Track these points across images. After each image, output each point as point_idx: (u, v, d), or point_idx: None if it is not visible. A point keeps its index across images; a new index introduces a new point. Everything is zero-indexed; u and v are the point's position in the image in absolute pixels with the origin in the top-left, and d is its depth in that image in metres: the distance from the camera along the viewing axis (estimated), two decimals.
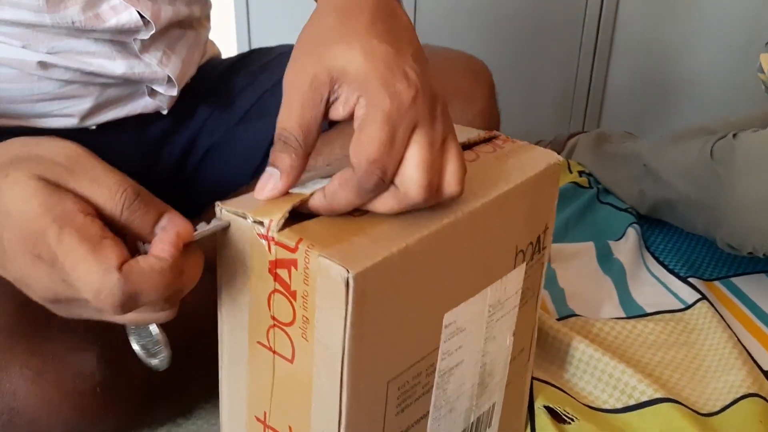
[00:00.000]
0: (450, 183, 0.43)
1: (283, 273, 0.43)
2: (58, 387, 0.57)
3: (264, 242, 0.43)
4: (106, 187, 0.38)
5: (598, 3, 1.62)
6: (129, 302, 0.37)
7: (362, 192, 0.42)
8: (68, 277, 0.37)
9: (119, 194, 0.38)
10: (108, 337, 0.60)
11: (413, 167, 0.42)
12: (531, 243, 0.57)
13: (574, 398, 0.77)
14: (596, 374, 0.79)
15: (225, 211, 0.44)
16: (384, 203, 0.43)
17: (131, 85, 0.73)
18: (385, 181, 0.42)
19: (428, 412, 0.52)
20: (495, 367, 0.58)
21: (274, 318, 0.45)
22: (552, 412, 0.74)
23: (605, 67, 1.68)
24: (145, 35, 0.68)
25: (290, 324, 0.44)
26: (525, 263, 0.57)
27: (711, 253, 1.10)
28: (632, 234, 1.11)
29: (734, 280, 1.03)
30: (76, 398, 0.58)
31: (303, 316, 0.43)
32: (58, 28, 0.64)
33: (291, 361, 0.45)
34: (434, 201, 0.44)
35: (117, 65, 0.69)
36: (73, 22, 0.64)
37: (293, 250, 0.42)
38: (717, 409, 0.76)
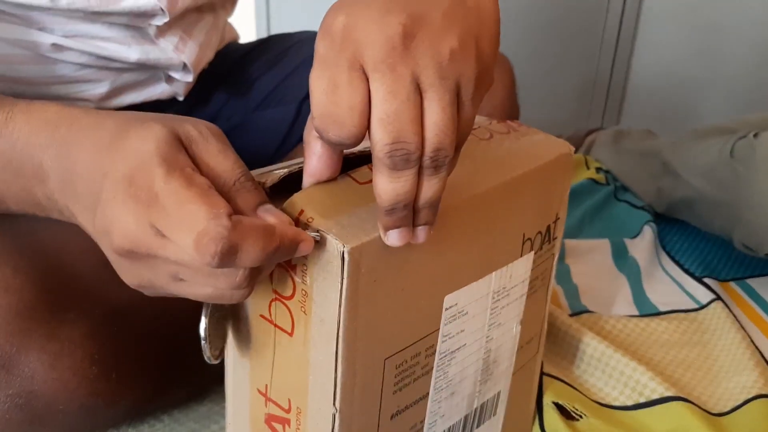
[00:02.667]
0: (430, 138, 0.36)
1: None
2: (75, 371, 0.58)
3: None
4: (231, 161, 0.40)
5: None
6: (229, 254, 0.36)
7: (327, 143, 0.38)
8: (166, 218, 0.36)
9: (239, 169, 0.40)
10: (124, 324, 0.60)
11: (372, 124, 0.36)
12: (540, 232, 0.57)
13: (584, 394, 0.77)
14: (607, 371, 0.79)
15: None
16: (377, 183, 0.38)
17: (147, 70, 0.74)
18: (342, 135, 0.36)
19: (428, 393, 0.52)
20: (501, 354, 0.58)
21: (275, 291, 0.45)
22: (561, 409, 0.74)
23: (626, 62, 1.67)
24: (160, 21, 0.68)
25: (290, 297, 0.45)
26: (533, 252, 0.57)
27: (727, 254, 1.09)
28: (648, 232, 1.11)
29: (750, 281, 1.03)
30: (92, 383, 0.59)
31: (302, 289, 0.44)
32: (73, 11, 0.64)
33: (290, 334, 0.46)
34: (423, 161, 0.37)
35: (132, 51, 0.69)
36: (89, 4, 0.64)
37: (295, 224, 0.42)
38: (728, 409, 0.76)
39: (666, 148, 1.18)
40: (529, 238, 0.56)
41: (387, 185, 0.37)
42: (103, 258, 0.62)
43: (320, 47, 0.37)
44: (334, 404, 0.45)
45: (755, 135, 1.01)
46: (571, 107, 1.73)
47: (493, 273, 0.53)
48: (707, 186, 1.07)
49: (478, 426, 0.61)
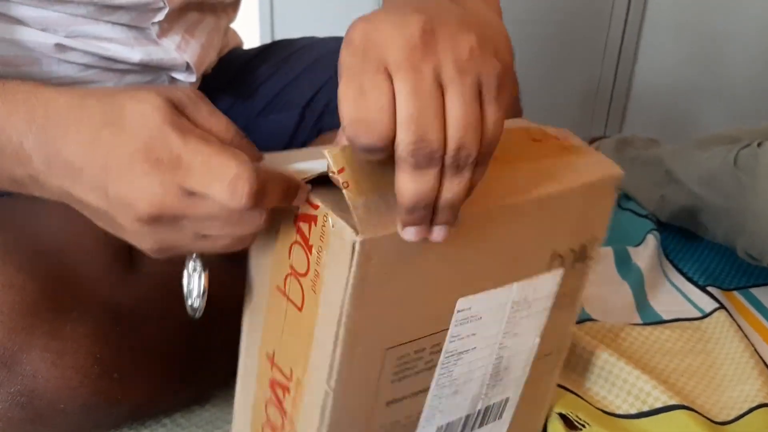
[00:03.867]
0: (452, 135, 0.37)
1: (304, 227, 0.45)
2: (77, 370, 0.57)
3: None
4: (223, 121, 0.43)
5: (625, 2, 1.61)
6: (260, 194, 0.39)
7: (360, 151, 0.38)
8: (195, 176, 0.38)
9: (232, 127, 0.43)
10: (127, 324, 0.60)
11: (397, 125, 0.37)
12: (573, 250, 0.55)
13: (588, 402, 0.77)
14: (610, 379, 0.79)
15: (264, 158, 0.46)
16: (399, 182, 0.38)
17: (151, 72, 0.73)
18: (373, 138, 0.37)
19: (428, 387, 0.53)
20: (514, 363, 0.58)
21: (291, 267, 0.47)
22: (564, 419, 0.73)
23: (629, 70, 1.67)
24: (161, 15, 0.68)
25: (304, 275, 0.46)
26: (563, 269, 0.55)
27: (731, 263, 1.09)
28: (651, 240, 1.10)
29: (753, 290, 1.02)
30: (94, 382, 0.58)
31: (315, 269, 0.45)
32: (76, 6, 0.64)
33: (300, 309, 0.47)
34: (445, 159, 0.37)
35: (134, 52, 0.69)
36: None
37: (316, 207, 0.43)
38: (731, 418, 0.76)
39: (669, 157, 1.18)
40: (560, 255, 0.54)
41: (409, 184, 0.38)
42: (107, 257, 0.62)
43: (344, 57, 0.38)
44: (328, 383, 0.47)
45: (759, 144, 1.01)
46: (573, 114, 1.73)
47: (515, 284, 0.52)
48: (710, 195, 1.07)
49: (480, 426, 0.60)
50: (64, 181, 0.43)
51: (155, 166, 0.39)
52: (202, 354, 0.67)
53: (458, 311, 0.50)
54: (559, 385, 0.77)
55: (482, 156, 0.39)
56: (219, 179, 0.38)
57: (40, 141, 0.43)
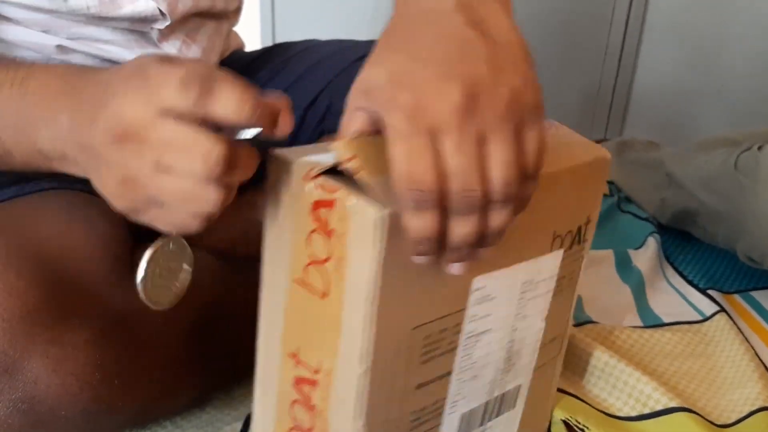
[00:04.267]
0: (495, 186, 0.41)
1: (323, 213, 0.45)
2: (78, 377, 0.57)
3: (309, 183, 0.46)
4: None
5: (626, 5, 1.61)
6: (207, 80, 0.41)
7: (409, 212, 0.41)
8: (162, 86, 0.41)
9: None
10: (127, 330, 0.60)
11: (447, 178, 0.40)
12: (570, 231, 0.58)
13: (590, 404, 0.77)
14: (611, 381, 0.79)
15: (276, 153, 0.48)
16: (448, 228, 0.42)
17: None
18: (422, 187, 0.40)
19: (452, 370, 0.54)
20: (524, 347, 0.59)
21: (311, 256, 0.47)
22: (564, 424, 0.73)
23: (630, 73, 1.67)
24: (162, 25, 0.69)
25: (326, 260, 0.46)
26: (563, 250, 0.58)
27: (731, 266, 1.09)
28: (652, 243, 1.10)
29: (753, 293, 1.03)
30: (94, 388, 0.58)
31: (338, 252, 0.45)
32: (75, 15, 0.65)
33: (325, 296, 0.48)
34: (493, 197, 0.42)
35: (135, 54, 0.69)
36: (88, 7, 0.64)
37: (334, 190, 0.44)
38: (732, 420, 0.76)
39: (670, 159, 1.18)
40: (559, 236, 0.57)
41: (457, 229, 0.42)
42: (108, 264, 0.61)
43: (392, 121, 0.40)
44: (360, 366, 0.47)
45: (759, 147, 1.01)
46: (574, 118, 1.74)
47: (522, 263, 0.54)
48: (711, 198, 1.07)
49: (497, 416, 0.62)
50: (75, 119, 0.46)
51: (145, 83, 0.42)
52: (202, 357, 0.67)
53: (475, 290, 0.51)
54: (560, 389, 0.77)
55: (532, 175, 0.43)
56: (175, 74, 0.41)
57: (70, 96, 0.48)
